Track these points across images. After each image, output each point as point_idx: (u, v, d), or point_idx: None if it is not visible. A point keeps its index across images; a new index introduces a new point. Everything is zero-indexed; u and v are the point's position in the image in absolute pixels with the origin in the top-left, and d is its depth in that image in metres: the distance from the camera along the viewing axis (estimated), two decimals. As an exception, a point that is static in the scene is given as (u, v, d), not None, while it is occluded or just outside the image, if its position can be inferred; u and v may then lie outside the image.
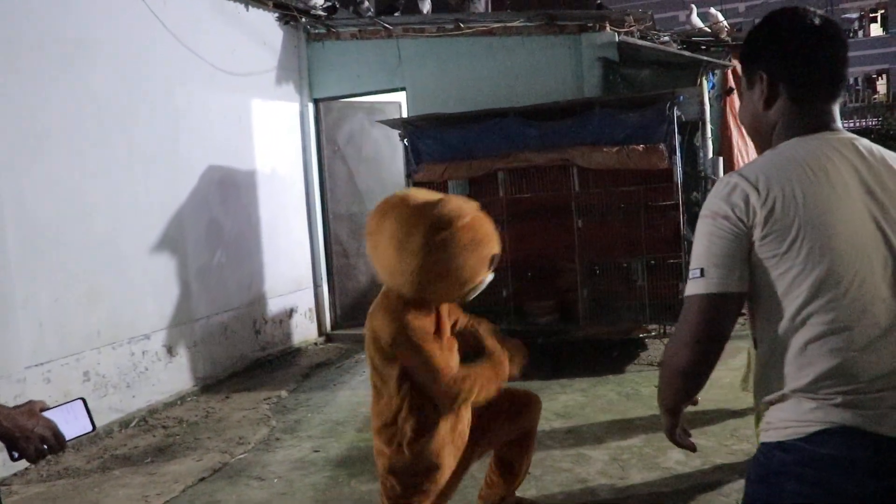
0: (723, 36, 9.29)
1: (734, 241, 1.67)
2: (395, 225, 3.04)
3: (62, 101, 6.16)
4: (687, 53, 8.34)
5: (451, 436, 3.23)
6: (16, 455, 1.89)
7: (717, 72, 8.66)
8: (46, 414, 1.96)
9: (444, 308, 3.34)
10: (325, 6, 9.28)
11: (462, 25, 8.67)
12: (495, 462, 3.90)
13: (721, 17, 9.61)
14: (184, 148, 7.45)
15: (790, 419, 1.67)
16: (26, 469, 5.44)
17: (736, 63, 9.12)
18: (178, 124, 7.40)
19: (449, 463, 3.26)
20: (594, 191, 7.24)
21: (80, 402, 2.04)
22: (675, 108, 6.82)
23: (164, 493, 4.95)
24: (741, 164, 8.95)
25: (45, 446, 1.91)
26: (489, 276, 3.24)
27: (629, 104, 7.06)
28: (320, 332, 9.49)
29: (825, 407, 1.63)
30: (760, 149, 1.85)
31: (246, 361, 8.16)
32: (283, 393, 7.17)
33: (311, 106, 9.49)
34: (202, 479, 5.15)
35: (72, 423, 2.00)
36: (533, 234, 7.50)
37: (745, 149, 9.06)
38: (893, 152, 1.80)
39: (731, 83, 9.10)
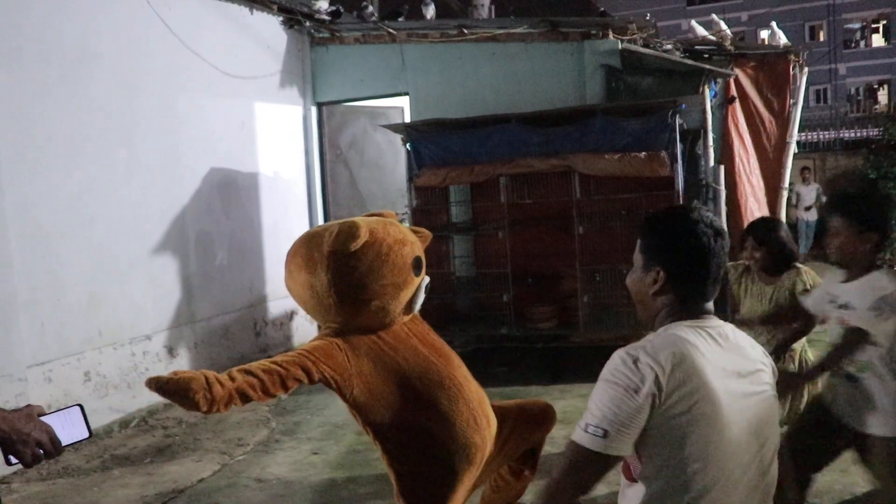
0: (726, 44, 9.33)
1: (636, 413, 1.86)
2: (299, 269, 3.02)
3: (64, 107, 6.19)
4: (689, 61, 8.37)
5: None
6: (12, 459, 1.89)
7: (720, 80, 8.69)
8: (44, 419, 1.96)
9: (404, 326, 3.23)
10: (329, 11, 9.32)
11: (465, 31, 8.70)
12: (507, 468, 3.86)
13: (724, 26, 9.66)
14: (186, 152, 7.48)
15: None
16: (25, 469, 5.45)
17: (738, 72, 9.17)
18: (181, 128, 7.43)
19: (463, 490, 3.21)
20: (595, 197, 7.27)
21: (78, 408, 2.05)
22: (677, 117, 6.85)
23: (163, 494, 4.97)
24: (743, 173, 8.98)
25: (42, 451, 1.91)
26: (423, 280, 3.17)
27: (631, 112, 7.09)
28: (320, 335, 9.49)
29: None
30: (642, 313, 2.12)
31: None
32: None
33: (314, 110, 9.52)
34: (201, 480, 5.18)
35: (68, 429, 2.01)
36: (534, 240, 7.52)
37: (746, 158, 9.09)
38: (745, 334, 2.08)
39: (734, 92, 9.13)
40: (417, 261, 3.09)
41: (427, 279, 3.18)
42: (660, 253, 2.04)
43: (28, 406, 1.96)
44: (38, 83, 5.97)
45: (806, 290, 4.05)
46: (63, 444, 1.97)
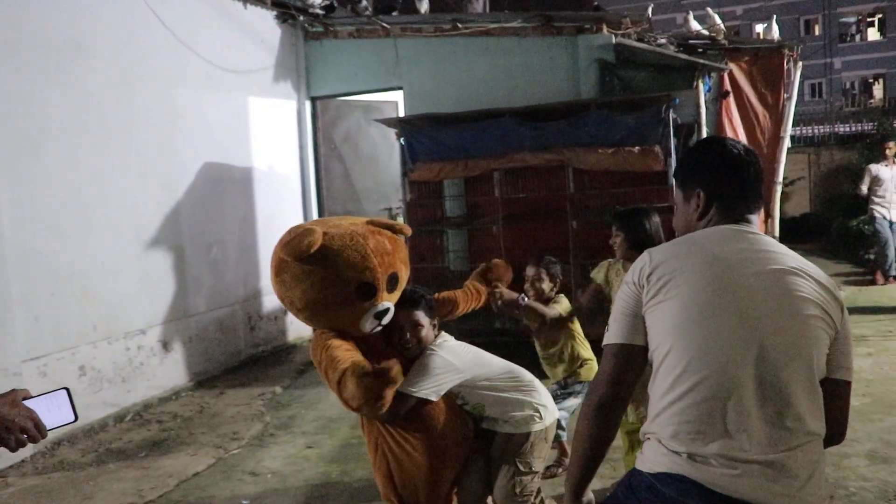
0: (720, 39, 9.33)
1: (632, 301, 2.04)
2: (271, 269, 3.03)
3: (59, 100, 6.18)
4: (683, 56, 8.37)
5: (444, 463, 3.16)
6: None
7: (714, 74, 8.70)
8: (29, 403, 1.96)
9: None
10: (323, 5, 9.31)
11: (459, 25, 8.70)
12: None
13: (718, 20, 9.65)
14: (180, 145, 7.48)
15: (647, 457, 2.00)
16: (22, 461, 5.47)
17: (733, 66, 9.17)
18: (175, 122, 7.42)
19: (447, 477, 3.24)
20: (589, 192, 7.28)
21: (65, 391, 2.05)
22: (671, 111, 6.86)
23: (158, 487, 4.98)
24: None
25: (26, 437, 1.93)
26: (375, 307, 2.97)
27: (625, 106, 7.10)
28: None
29: (671, 456, 1.92)
30: None
31: (240, 357, 8.19)
32: (278, 389, 7.20)
33: (308, 104, 9.53)
34: (196, 474, 5.19)
35: (54, 413, 2.01)
36: (528, 235, 7.53)
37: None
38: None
39: (728, 86, 9.14)
40: (364, 287, 2.92)
41: (384, 306, 2.99)
42: (697, 174, 2.17)
43: (12, 391, 1.97)
44: (34, 75, 5.96)
45: None
46: (48, 427, 1.97)
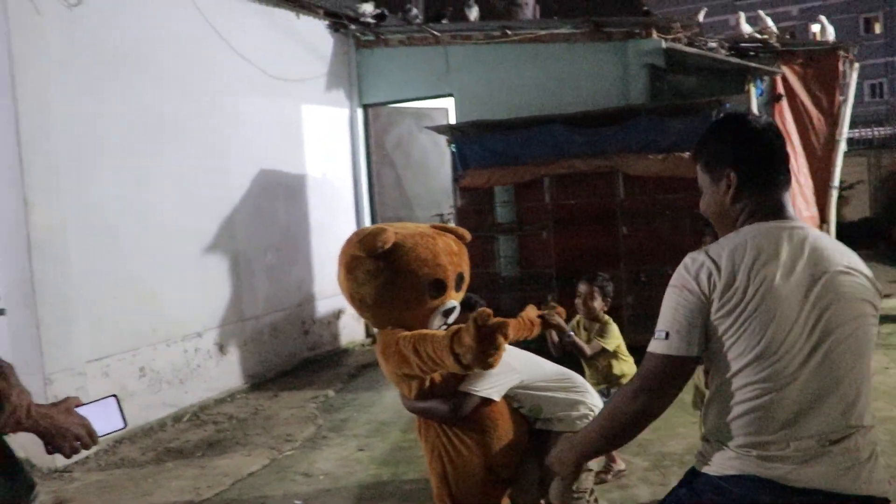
0: (771, 41, 9.23)
1: (696, 311, 1.95)
2: (339, 266, 3.09)
3: (120, 110, 6.43)
4: (734, 60, 8.31)
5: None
6: (51, 449, 1.99)
7: (766, 78, 8.61)
8: (80, 410, 2.05)
9: None
10: (374, 14, 9.47)
11: (509, 32, 8.76)
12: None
13: (770, 22, 9.55)
14: (236, 153, 7.68)
15: (715, 461, 2.00)
16: (86, 458, 5.67)
17: (785, 69, 9.06)
18: (231, 130, 7.63)
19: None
20: (639, 197, 7.27)
21: (113, 398, 2.15)
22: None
23: (215, 486, 5.13)
24: (790, 172, 8.89)
25: (79, 443, 2.01)
26: (444, 304, 3.03)
27: (675, 111, 7.09)
28: (367, 333, 9.65)
29: (742, 458, 1.94)
30: (724, 231, 2.13)
31: (294, 361, 8.35)
32: (331, 392, 7.33)
33: (360, 111, 9.68)
34: (251, 474, 5.33)
35: (104, 420, 2.09)
36: (578, 240, 7.54)
37: (794, 156, 8.99)
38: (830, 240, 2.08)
39: (781, 90, 9.03)
40: (436, 283, 2.99)
41: (452, 304, 3.06)
42: (727, 155, 2.10)
43: (66, 399, 2.06)
44: (95, 86, 6.21)
45: None
46: (99, 434, 2.06)
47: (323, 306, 8.90)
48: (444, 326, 3.06)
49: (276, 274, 8.22)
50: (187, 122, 7.11)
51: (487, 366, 2.57)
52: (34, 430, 1.94)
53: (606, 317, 4.67)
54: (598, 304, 4.63)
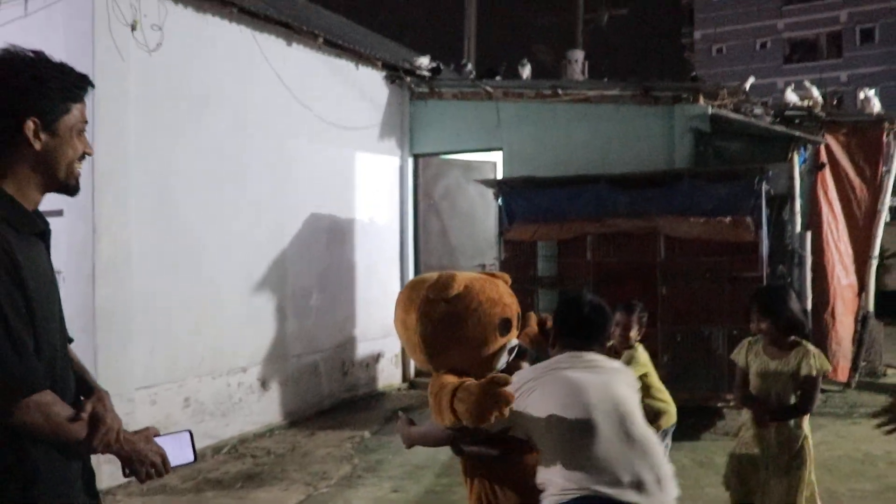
0: (816, 111, 9.36)
1: None
2: (400, 308, 3.26)
3: (188, 149, 6.78)
4: (779, 128, 8.45)
5: None
6: (128, 473, 2.15)
7: (810, 146, 8.73)
8: (158, 440, 2.21)
9: None
10: (429, 67, 9.79)
11: (560, 91, 9.01)
12: None
13: (816, 92, 9.68)
14: (290, 194, 7.97)
15: None
16: (129, 482, 5.86)
17: (830, 138, 9.17)
18: (287, 172, 7.93)
19: None
20: (679, 259, 7.38)
21: (188, 433, 2.30)
22: (764, 183, 6.96)
23: (253, 517, 5.28)
24: (830, 240, 8.95)
25: (153, 471, 2.16)
26: (509, 342, 3.18)
27: (718, 176, 7.24)
28: (404, 377, 9.81)
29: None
30: None
31: (332, 400, 8.53)
32: (367, 433, 7.47)
33: (410, 160, 9.95)
34: (288, 508, 5.47)
35: (177, 452, 2.24)
36: (617, 298, 7.58)
37: (835, 224, 9.06)
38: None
39: (824, 158, 9.13)
40: (505, 322, 3.15)
41: (515, 341, 3.24)
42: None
43: (147, 428, 2.22)
44: (169, 125, 6.59)
45: (810, 378, 3.88)
46: (172, 465, 2.20)
47: (363, 348, 9.08)
48: (504, 365, 3.20)
49: (320, 314, 8.43)
50: (248, 161, 7.44)
51: (487, 421, 2.72)
52: (119, 453, 2.09)
53: (638, 344, 4.79)
54: (634, 333, 4.76)
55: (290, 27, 7.89)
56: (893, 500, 5.28)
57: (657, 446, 2.79)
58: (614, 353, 4.75)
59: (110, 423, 2.06)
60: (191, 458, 2.28)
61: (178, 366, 6.64)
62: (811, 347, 3.96)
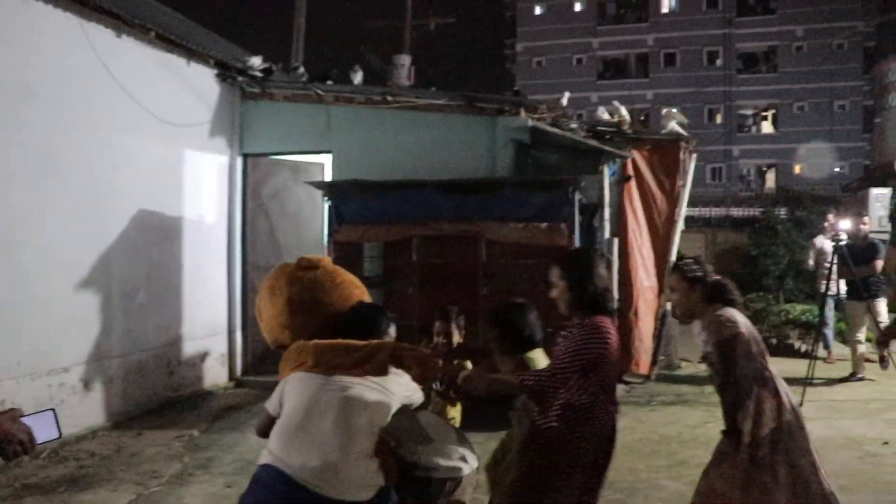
0: (625, 128, 10.16)
1: None
2: (269, 279, 3.56)
3: (2, 142, 6.51)
4: (591, 142, 9.16)
5: None
6: None
7: (618, 160, 9.48)
8: (23, 420, 2.30)
9: None
10: (261, 67, 9.83)
11: (389, 98, 9.33)
12: None
13: (625, 112, 10.52)
14: (116, 192, 7.80)
15: None
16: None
17: (635, 153, 9.99)
18: (114, 169, 7.77)
19: None
20: (500, 261, 7.89)
21: (52, 412, 2.40)
22: (577, 192, 7.57)
23: (81, 520, 5.20)
24: (634, 245, 9.75)
25: (21, 448, 2.26)
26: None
27: (536, 185, 7.80)
28: (231, 376, 9.78)
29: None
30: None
31: (158, 400, 8.40)
32: (195, 432, 7.45)
33: (239, 160, 9.93)
34: (117, 509, 5.43)
35: (42, 430, 2.34)
36: (441, 298, 7.98)
37: (638, 231, 9.88)
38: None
39: (630, 171, 9.91)
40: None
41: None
42: None
43: (11, 409, 2.31)
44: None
45: None
46: (38, 442, 2.31)
47: (189, 347, 9.00)
48: None
49: (146, 313, 8.30)
50: (69, 155, 7.22)
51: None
52: None
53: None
54: (455, 339, 5.02)
55: (120, 18, 7.72)
56: (682, 472, 5.97)
57: None
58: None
59: None
60: (55, 434, 2.37)
61: (-7, 367, 6.37)
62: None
